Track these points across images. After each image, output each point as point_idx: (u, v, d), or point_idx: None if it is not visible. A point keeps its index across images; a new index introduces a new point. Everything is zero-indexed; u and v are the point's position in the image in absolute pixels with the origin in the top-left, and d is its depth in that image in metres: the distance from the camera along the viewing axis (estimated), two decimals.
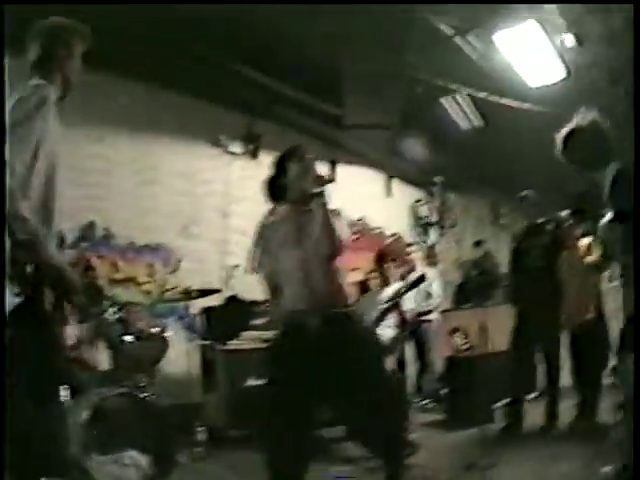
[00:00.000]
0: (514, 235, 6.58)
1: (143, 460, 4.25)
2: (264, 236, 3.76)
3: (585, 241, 5.76)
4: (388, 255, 6.37)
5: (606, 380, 5.95)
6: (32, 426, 2.39)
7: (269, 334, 6.37)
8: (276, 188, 3.75)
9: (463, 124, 8.53)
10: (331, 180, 3.48)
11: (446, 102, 8.16)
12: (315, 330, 3.44)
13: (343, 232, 3.52)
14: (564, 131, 3.79)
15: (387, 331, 6.80)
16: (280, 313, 3.67)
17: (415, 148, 9.30)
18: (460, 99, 8.02)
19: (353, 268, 8.86)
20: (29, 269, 2.39)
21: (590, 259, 5.44)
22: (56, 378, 2.60)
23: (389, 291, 6.94)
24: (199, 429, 5.44)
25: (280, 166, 3.74)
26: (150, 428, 4.36)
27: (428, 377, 8.11)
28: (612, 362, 7.16)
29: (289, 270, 3.58)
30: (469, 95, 7.81)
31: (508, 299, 6.48)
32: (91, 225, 6.54)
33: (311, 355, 3.38)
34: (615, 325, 5.98)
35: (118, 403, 4.31)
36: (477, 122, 8.53)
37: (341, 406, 3.57)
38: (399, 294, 6.42)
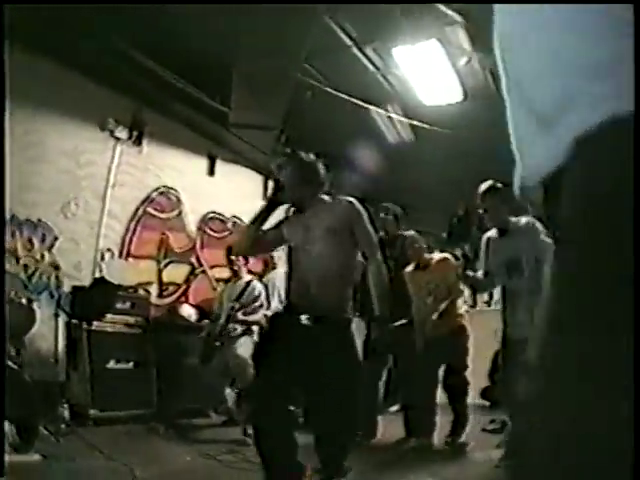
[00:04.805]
0: None
1: (8, 429, 4.34)
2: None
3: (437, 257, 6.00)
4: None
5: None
6: None
7: (131, 319, 6.61)
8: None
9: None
10: None
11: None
12: (303, 328, 3.63)
13: None
14: None
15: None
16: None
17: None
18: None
19: (216, 265, 9.06)
20: None
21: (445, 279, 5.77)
22: None
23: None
24: (63, 405, 5.55)
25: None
26: (15, 398, 4.42)
27: None
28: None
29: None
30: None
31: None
32: None
33: (293, 350, 3.61)
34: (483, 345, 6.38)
35: None
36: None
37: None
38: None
